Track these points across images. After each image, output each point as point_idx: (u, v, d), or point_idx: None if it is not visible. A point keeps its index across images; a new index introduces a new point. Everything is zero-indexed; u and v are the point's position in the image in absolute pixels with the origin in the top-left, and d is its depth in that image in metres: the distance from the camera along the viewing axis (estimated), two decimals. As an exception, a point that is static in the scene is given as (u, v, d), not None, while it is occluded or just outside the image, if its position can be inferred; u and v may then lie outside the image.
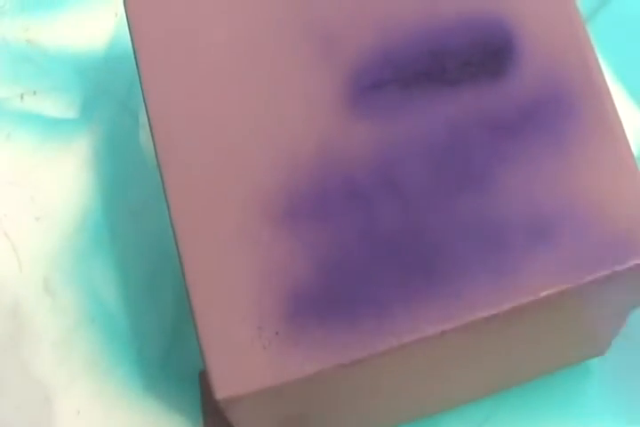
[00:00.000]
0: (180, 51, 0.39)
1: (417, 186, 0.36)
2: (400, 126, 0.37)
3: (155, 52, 0.39)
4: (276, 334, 0.34)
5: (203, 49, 0.39)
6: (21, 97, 0.58)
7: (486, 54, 0.38)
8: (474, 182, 0.35)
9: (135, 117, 0.55)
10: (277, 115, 0.37)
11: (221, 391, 0.34)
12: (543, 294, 0.34)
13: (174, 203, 0.36)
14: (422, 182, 0.36)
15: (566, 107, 0.37)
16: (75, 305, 0.50)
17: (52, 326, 0.50)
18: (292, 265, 0.35)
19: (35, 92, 0.58)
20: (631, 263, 0.34)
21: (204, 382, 0.34)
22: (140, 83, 0.39)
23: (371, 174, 0.36)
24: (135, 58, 0.39)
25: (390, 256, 0.34)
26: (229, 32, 0.39)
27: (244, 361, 0.34)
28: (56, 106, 0.57)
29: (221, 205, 0.36)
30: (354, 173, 0.36)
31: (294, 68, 0.38)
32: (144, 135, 0.55)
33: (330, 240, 0.35)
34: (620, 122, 0.37)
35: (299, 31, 0.39)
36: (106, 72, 0.58)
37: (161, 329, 0.49)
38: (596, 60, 0.38)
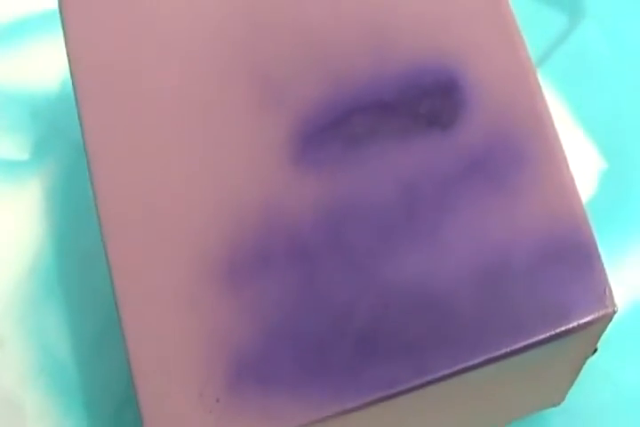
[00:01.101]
0: (120, 97, 0.38)
1: (364, 244, 0.35)
2: (346, 181, 0.36)
3: (95, 99, 0.38)
4: (217, 401, 0.33)
5: (143, 96, 0.38)
6: (-26, 137, 0.57)
7: (435, 105, 0.37)
8: (423, 240, 0.35)
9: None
10: (219, 167, 0.37)
11: (162, 458, 0.33)
12: (491, 355, 0.33)
13: (114, 261, 0.36)
14: (370, 240, 0.35)
15: (516, 157, 0.36)
16: (24, 355, 0.49)
17: (2, 376, 0.49)
18: (234, 329, 0.34)
19: (-12, 133, 0.57)
20: (575, 323, 0.34)
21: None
22: (82, 130, 0.38)
23: (316, 232, 0.35)
24: (77, 105, 0.39)
25: (336, 321, 0.34)
26: (172, 78, 0.38)
27: (185, 428, 0.33)
28: (9, 147, 0.56)
29: (162, 265, 0.35)
30: (299, 231, 0.35)
31: (237, 118, 0.37)
32: (97, 178, 0.54)
33: (274, 303, 0.34)
34: (570, 173, 0.36)
35: (243, 79, 0.38)
36: (60, 113, 0.57)
37: (112, 382, 0.48)
38: (547, 107, 0.37)
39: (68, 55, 0.40)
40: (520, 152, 0.36)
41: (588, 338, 0.36)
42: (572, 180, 0.36)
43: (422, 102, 0.37)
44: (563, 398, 0.44)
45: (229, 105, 0.38)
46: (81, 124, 0.38)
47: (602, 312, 0.34)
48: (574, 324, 0.34)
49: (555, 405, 0.45)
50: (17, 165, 0.55)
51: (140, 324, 0.35)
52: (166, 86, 0.38)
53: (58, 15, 0.60)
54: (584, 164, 0.48)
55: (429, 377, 0.33)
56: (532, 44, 0.42)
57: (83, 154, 0.55)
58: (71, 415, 0.48)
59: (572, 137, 0.52)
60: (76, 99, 0.39)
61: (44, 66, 0.59)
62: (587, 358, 0.40)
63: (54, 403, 0.48)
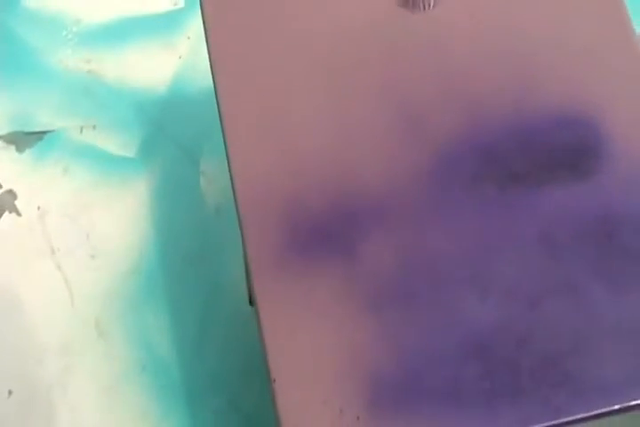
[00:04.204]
0: (261, 111, 0.40)
1: (503, 284, 0.36)
2: (484, 220, 0.37)
3: (237, 112, 0.40)
4: (357, 418, 0.35)
5: (287, 110, 0.39)
6: (81, 130, 0.58)
7: (574, 155, 0.38)
8: (562, 289, 0.36)
9: (195, 164, 0.56)
10: (359, 191, 0.38)
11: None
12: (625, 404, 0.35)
13: (257, 278, 0.37)
14: (509, 281, 0.36)
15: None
16: (126, 350, 0.50)
17: (102, 369, 0.50)
18: (376, 351, 0.35)
19: (94, 127, 0.58)
20: None
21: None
22: (225, 146, 0.39)
23: (457, 267, 0.37)
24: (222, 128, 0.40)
25: (476, 351, 0.35)
26: (316, 96, 0.40)
27: (324, 443, 0.34)
28: (115, 142, 0.58)
29: (307, 285, 0.37)
30: (441, 265, 0.37)
31: (382, 139, 0.39)
32: (204, 182, 0.55)
33: (414, 330, 0.36)
34: None
35: (390, 106, 0.39)
36: (166, 114, 0.58)
37: (214, 383, 0.49)
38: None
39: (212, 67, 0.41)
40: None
41: None
42: None
43: (564, 151, 0.38)
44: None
45: (375, 128, 0.39)
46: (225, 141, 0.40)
47: None
48: None
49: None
50: (123, 161, 0.57)
51: (282, 337, 0.36)
52: (319, 108, 0.40)
53: (172, 17, 0.62)
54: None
55: (562, 419, 0.34)
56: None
57: (189, 157, 0.56)
58: (171, 417, 0.49)
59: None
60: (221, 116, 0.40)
61: (154, 67, 0.60)
62: None
63: (153, 402, 0.49)
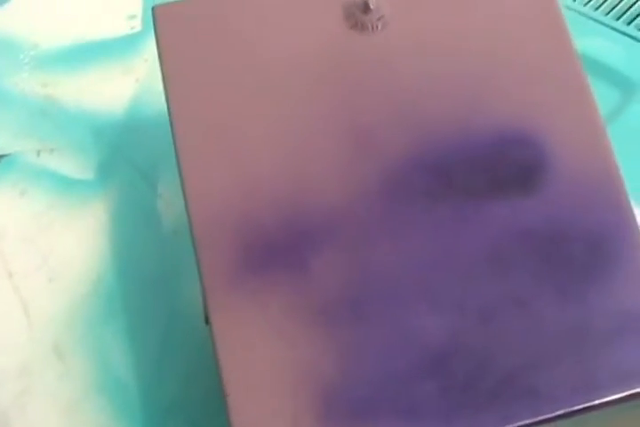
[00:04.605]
0: (216, 133, 0.40)
1: (454, 300, 0.37)
2: (431, 235, 0.38)
3: (194, 143, 0.40)
4: (312, 432, 0.35)
5: (239, 134, 0.40)
6: (38, 153, 0.58)
7: (519, 172, 0.39)
8: (511, 302, 0.37)
9: (153, 187, 0.56)
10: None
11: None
12: (568, 409, 0.35)
13: (211, 296, 0.37)
14: (459, 297, 0.37)
15: (594, 223, 0.38)
16: (84, 372, 0.51)
17: (61, 391, 0.50)
18: (327, 366, 0.36)
19: (52, 150, 0.58)
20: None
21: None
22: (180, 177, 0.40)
23: (408, 284, 0.37)
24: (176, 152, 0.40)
25: (426, 365, 0.36)
26: (276, 123, 0.40)
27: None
28: (72, 166, 0.58)
29: (261, 302, 0.37)
30: (392, 281, 0.37)
31: (331, 163, 0.39)
32: (161, 205, 0.55)
33: (365, 345, 0.36)
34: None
35: (344, 129, 0.40)
36: (124, 137, 0.59)
37: (171, 405, 0.49)
38: (620, 175, 0.40)
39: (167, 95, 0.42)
40: (597, 219, 0.39)
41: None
42: None
43: (508, 168, 0.39)
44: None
45: (327, 147, 0.40)
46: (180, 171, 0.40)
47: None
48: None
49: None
50: (80, 183, 0.57)
51: (236, 353, 0.37)
52: (267, 128, 0.40)
53: (129, 41, 0.62)
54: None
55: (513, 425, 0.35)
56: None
57: (146, 180, 0.57)
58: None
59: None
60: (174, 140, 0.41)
61: (111, 90, 0.60)
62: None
63: (112, 423, 0.49)
